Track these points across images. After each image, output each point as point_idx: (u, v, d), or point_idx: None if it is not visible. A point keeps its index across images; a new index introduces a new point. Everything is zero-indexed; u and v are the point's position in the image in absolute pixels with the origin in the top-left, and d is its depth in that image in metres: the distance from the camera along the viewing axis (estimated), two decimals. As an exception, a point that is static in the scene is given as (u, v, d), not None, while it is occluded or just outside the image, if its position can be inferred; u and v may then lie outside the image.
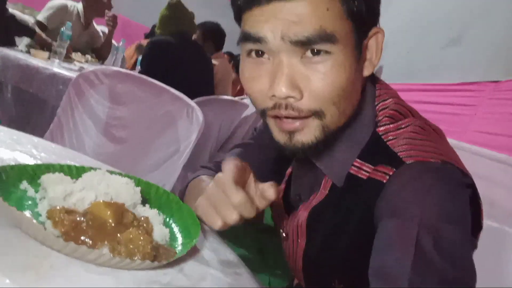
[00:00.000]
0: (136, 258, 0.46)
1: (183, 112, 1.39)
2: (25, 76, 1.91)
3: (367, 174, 0.59)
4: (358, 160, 0.61)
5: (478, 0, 1.88)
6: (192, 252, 0.54)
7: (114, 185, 0.57)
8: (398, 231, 0.52)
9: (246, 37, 0.57)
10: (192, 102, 1.39)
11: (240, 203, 0.52)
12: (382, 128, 0.61)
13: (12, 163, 0.63)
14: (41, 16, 2.79)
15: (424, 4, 2.55)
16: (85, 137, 1.40)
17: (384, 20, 0.61)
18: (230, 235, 0.70)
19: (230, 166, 0.55)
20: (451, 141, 0.64)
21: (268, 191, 0.54)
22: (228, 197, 0.52)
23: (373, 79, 0.66)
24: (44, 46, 2.50)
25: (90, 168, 0.63)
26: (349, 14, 0.55)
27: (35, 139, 0.82)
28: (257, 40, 0.55)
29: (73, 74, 1.79)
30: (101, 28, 3.17)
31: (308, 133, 0.57)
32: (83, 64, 2.51)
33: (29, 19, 2.96)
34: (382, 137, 0.60)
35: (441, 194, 0.53)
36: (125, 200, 0.56)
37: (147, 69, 2.17)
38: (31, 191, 0.55)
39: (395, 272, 0.48)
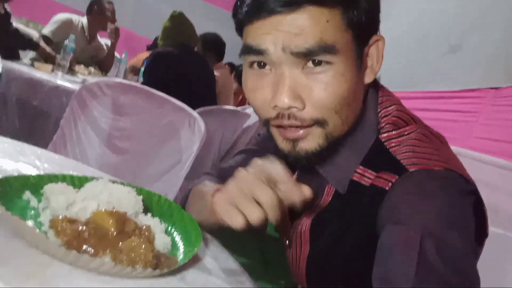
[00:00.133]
0: (138, 266, 0.46)
1: (185, 122, 1.39)
2: (28, 89, 1.94)
3: (370, 181, 0.59)
4: (361, 167, 0.61)
5: (476, 8, 1.89)
6: (194, 261, 0.54)
7: (116, 194, 0.57)
8: (401, 237, 0.52)
9: (248, 50, 0.58)
10: (194, 112, 1.40)
11: (268, 201, 0.48)
12: (384, 135, 0.61)
13: (16, 174, 0.64)
14: (46, 30, 2.83)
15: (424, 13, 2.57)
16: (88, 148, 1.41)
17: (385, 29, 0.61)
18: (232, 243, 0.70)
19: (258, 163, 0.52)
20: (453, 148, 0.64)
21: (304, 188, 0.50)
22: (255, 193, 0.48)
23: (376, 86, 0.66)
24: (48, 59, 2.54)
25: (92, 178, 0.63)
26: (349, 25, 0.55)
27: (39, 150, 0.82)
28: (259, 52, 0.56)
29: (76, 86, 1.81)
30: (104, 41, 3.21)
31: (311, 141, 0.58)
32: (86, 76, 2.53)
33: (33, 33, 3.01)
34: (385, 144, 0.61)
35: (444, 201, 0.53)
36: (127, 208, 0.56)
37: (149, 80, 2.19)
38: (34, 201, 0.56)
39: (398, 278, 0.48)
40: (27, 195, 0.56)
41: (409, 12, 2.79)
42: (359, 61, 0.58)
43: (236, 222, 0.48)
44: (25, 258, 0.43)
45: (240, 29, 0.60)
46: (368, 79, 0.61)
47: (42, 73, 2.08)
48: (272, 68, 0.57)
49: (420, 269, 0.48)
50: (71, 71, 2.50)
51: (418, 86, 2.34)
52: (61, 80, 2.04)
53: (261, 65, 0.58)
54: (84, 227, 0.49)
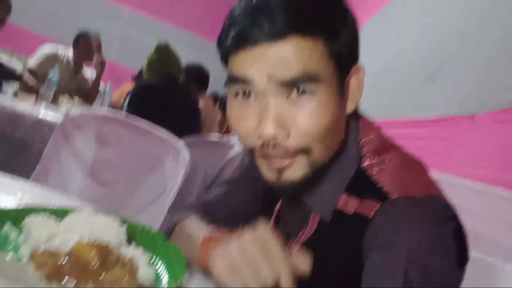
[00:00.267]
0: (120, 298, 0.45)
1: (170, 153, 1.39)
2: (10, 121, 1.91)
3: (354, 209, 0.60)
4: (344, 195, 0.62)
5: (450, 42, 1.99)
6: (178, 292, 0.53)
7: (98, 225, 0.57)
8: (386, 264, 0.52)
9: (233, 79, 0.59)
10: (178, 143, 1.40)
11: (286, 268, 0.46)
12: (366, 163, 0.63)
13: (-5, 206, 0.62)
14: (31, 63, 2.84)
15: (401, 47, 2.69)
16: (70, 180, 1.39)
17: (364, 62, 0.64)
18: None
19: (261, 231, 0.50)
20: (433, 173, 0.65)
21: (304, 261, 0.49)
22: (259, 268, 0.46)
23: (357, 114, 0.68)
24: (31, 90, 2.53)
25: (75, 209, 0.62)
26: (331, 55, 0.58)
27: (20, 182, 0.81)
28: (244, 81, 0.57)
29: (59, 118, 1.80)
30: (90, 72, 3.22)
31: (296, 170, 0.59)
32: (69, 108, 2.52)
33: (17, 65, 3.00)
34: (367, 171, 0.62)
35: (426, 228, 0.54)
36: (110, 239, 0.56)
37: (133, 111, 2.19)
38: (13, 234, 0.54)
39: None
40: (7, 227, 0.55)
41: (387, 46, 2.91)
42: (341, 91, 0.60)
43: None
44: (4, 293, 0.42)
45: (225, 59, 0.62)
46: (350, 108, 0.63)
47: (25, 106, 2.07)
48: (257, 97, 0.58)
49: None
50: (54, 102, 2.49)
51: (397, 115, 2.41)
52: (44, 111, 2.03)
53: (246, 94, 0.59)
54: (66, 259, 0.48)
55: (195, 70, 3.02)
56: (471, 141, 1.57)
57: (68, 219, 0.58)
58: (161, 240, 0.63)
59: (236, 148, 2.23)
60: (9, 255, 0.50)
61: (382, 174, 0.61)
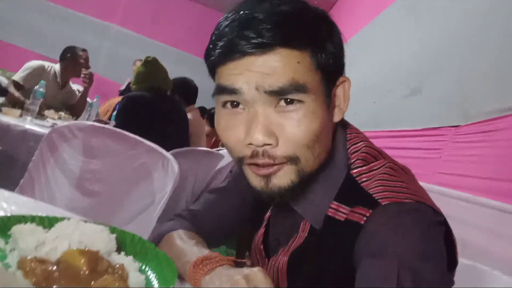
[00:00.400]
0: (111, 305, 0.45)
1: (159, 163, 1.38)
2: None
3: (345, 216, 0.61)
4: (335, 202, 0.63)
5: (433, 55, 2.04)
6: (169, 299, 0.53)
7: (88, 233, 0.56)
8: (378, 271, 0.53)
9: (221, 89, 0.60)
10: (167, 154, 1.39)
11: None
12: (355, 171, 0.64)
13: (-19, 215, 0.61)
14: (17, 76, 2.82)
15: (386, 61, 2.75)
16: (57, 191, 1.36)
17: (351, 76, 0.66)
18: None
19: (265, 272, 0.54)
20: (419, 183, 0.67)
21: None
22: None
23: (344, 124, 0.69)
24: (17, 104, 2.50)
25: (63, 218, 0.61)
26: (318, 66, 0.59)
27: (6, 193, 0.80)
28: (233, 91, 0.58)
29: (45, 131, 1.78)
30: (76, 86, 3.20)
31: (284, 177, 0.59)
32: (56, 120, 2.50)
33: (1, 79, 2.97)
34: (356, 179, 0.63)
35: (417, 233, 0.55)
36: (100, 247, 0.55)
37: (121, 123, 2.18)
38: (1, 243, 0.53)
39: None
40: (-6, 236, 0.54)
41: (373, 60, 2.98)
42: (328, 100, 0.61)
43: None
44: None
45: (212, 71, 0.62)
46: (337, 117, 0.65)
47: (10, 118, 2.04)
48: (246, 107, 0.59)
49: None
50: (40, 115, 2.46)
51: (383, 126, 2.45)
52: (29, 124, 2.00)
53: (234, 104, 0.60)
54: (55, 267, 0.48)
55: (183, 83, 3.03)
56: (456, 151, 1.61)
57: (57, 227, 0.57)
58: (151, 248, 0.63)
59: (226, 158, 2.23)
60: (-4, 264, 0.49)
61: (371, 181, 0.61)
